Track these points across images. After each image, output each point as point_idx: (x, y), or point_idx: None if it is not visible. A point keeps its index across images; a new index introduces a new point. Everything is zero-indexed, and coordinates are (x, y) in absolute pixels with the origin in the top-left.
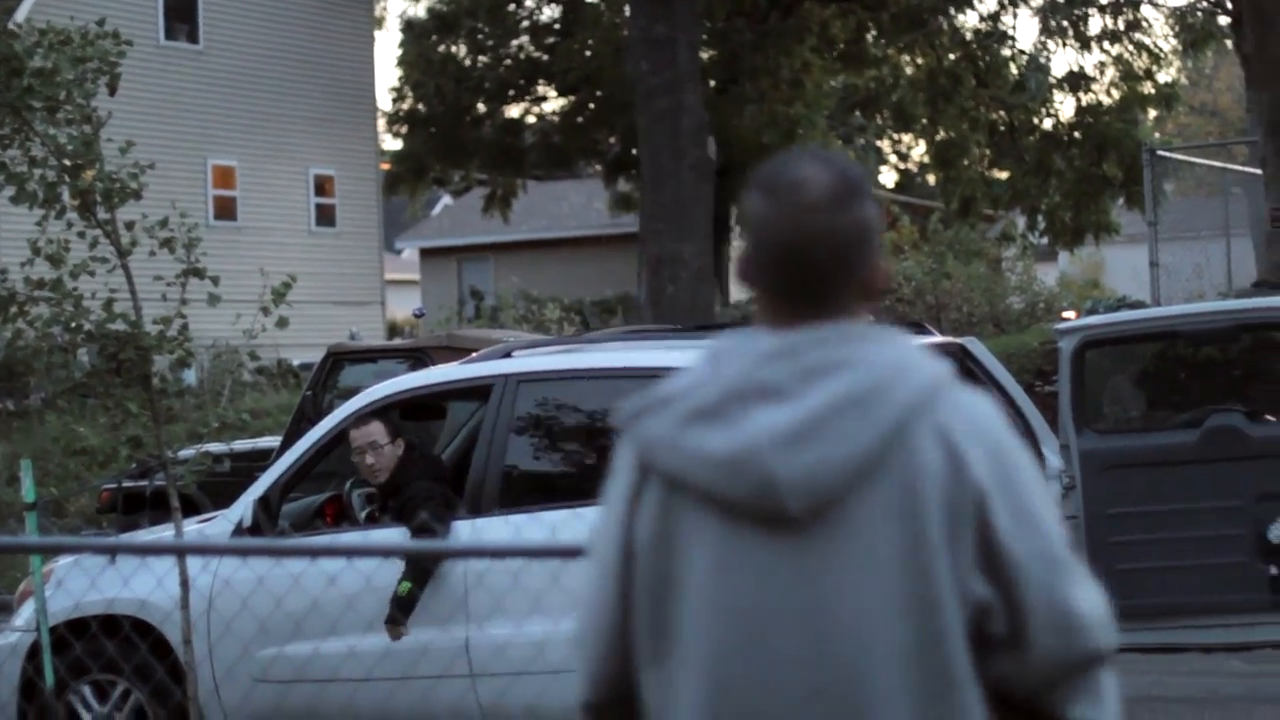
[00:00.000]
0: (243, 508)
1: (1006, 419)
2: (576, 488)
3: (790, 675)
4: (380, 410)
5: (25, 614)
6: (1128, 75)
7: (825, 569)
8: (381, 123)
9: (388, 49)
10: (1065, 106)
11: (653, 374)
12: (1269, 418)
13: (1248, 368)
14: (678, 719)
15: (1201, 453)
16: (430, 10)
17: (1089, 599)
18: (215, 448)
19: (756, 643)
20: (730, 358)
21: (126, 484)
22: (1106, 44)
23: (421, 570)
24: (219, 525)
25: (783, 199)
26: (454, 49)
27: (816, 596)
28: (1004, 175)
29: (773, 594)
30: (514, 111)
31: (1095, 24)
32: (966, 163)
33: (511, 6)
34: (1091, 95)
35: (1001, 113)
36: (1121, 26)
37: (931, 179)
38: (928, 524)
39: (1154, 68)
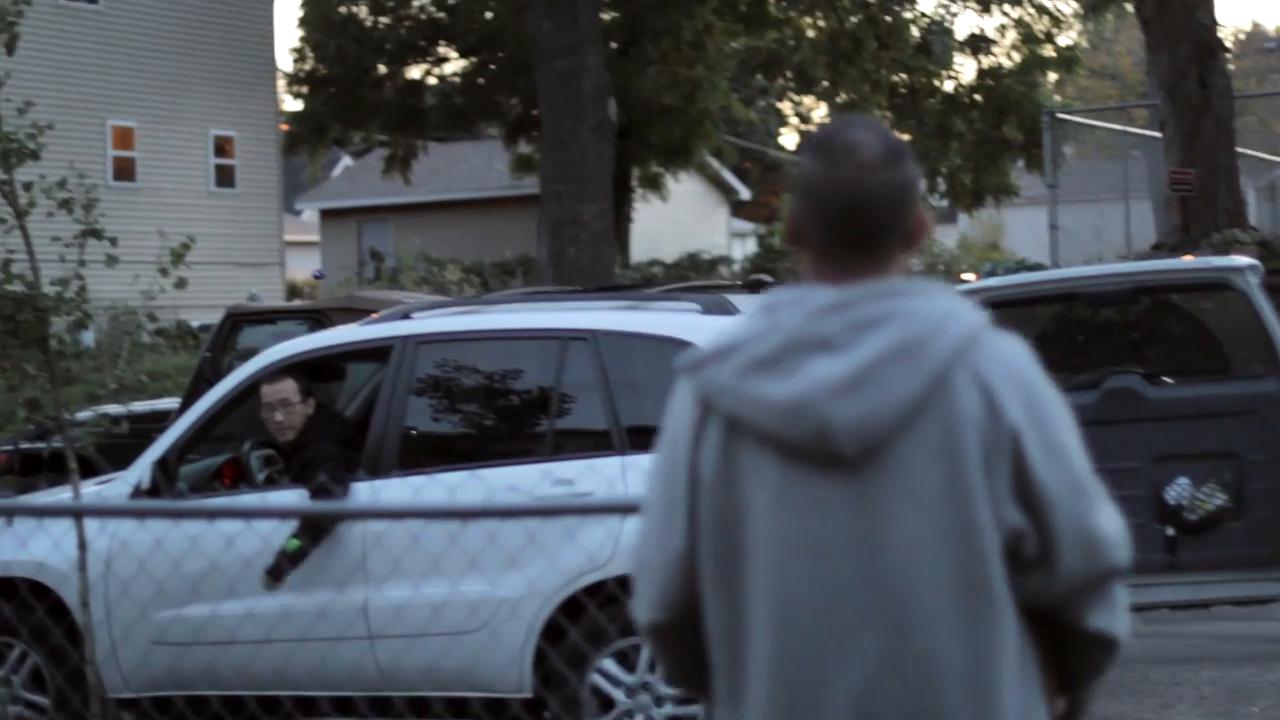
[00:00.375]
0: (141, 470)
1: (1034, 357)
2: (475, 449)
3: (846, 597)
4: (294, 369)
5: None
6: (1028, 38)
7: (875, 503)
8: (282, 83)
9: (288, 9)
10: (966, 69)
11: (552, 336)
12: (1166, 380)
13: (1146, 330)
14: (751, 637)
15: (1099, 414)
16: None
17: (1109, 520)
18: (113, 409)
19: (816, 569)
20: (787, 311)
21: (24, 446)
22: (1007, 6)
23: (314, 529)
24: (117, 487)
25: (840, 160)
26: (355, 9)
27: (868, 527)
28: (905, 137)
29: (829, 525)
30: (415, 72)
31: None
32: None
33: None
34: (992, 58)
35: (902, 75)
36: None
37: None
38: (967, 461)
39: (1055, 30)
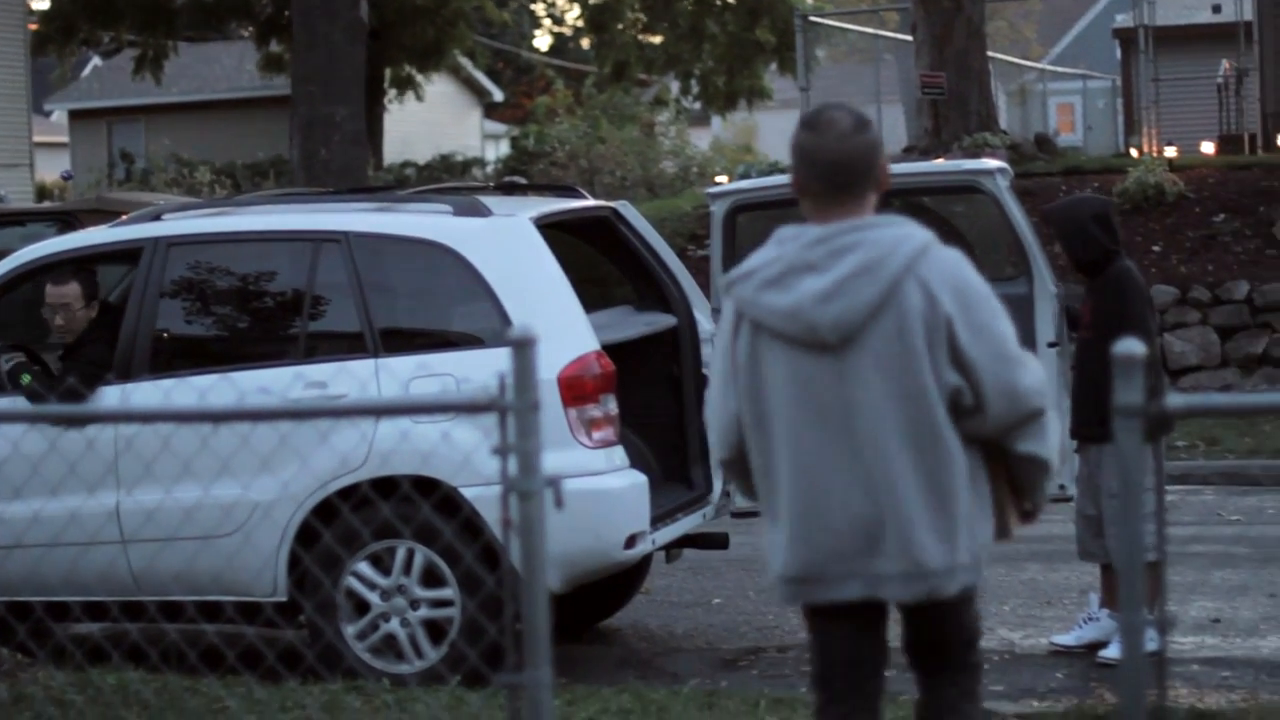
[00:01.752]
0: None
1: (969, 264)
2: (227, 352)
3: (835, 442)
4: (80, 272)
5: None
6: None
7: (851, 375)
8: None
9: None
10: None
11: (303, 237)
12: None
13: None
14: (777, 471)
15: None
16: None
17: (1028, 377)
18: None
19: (813, 423)
20: (788, 244)
21: None
22: None
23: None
24: None
25: (824, 132)
26: None
27: (847, 392)
28: (657, 39)
29: (821, 392)
30: None
31: None
32: (620, 26)
33: None
34: None
35: None
36: None
37: (586, 43)
38: (914, 343)
39: None
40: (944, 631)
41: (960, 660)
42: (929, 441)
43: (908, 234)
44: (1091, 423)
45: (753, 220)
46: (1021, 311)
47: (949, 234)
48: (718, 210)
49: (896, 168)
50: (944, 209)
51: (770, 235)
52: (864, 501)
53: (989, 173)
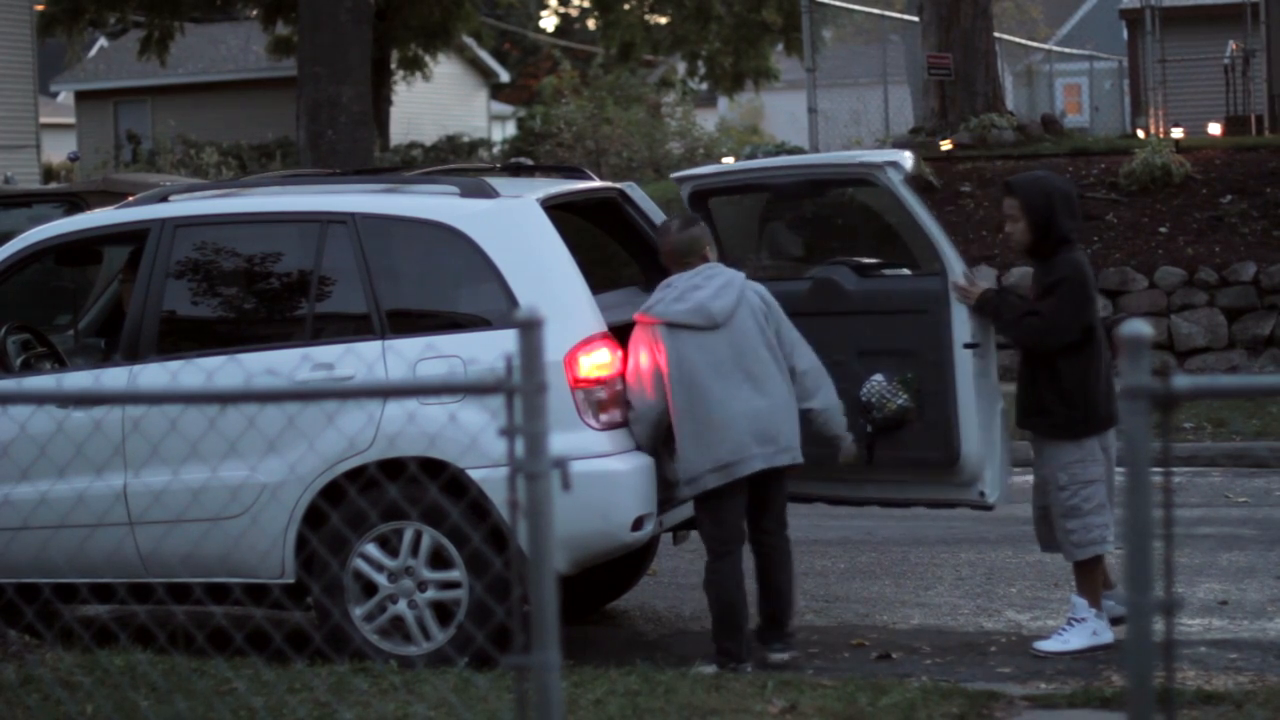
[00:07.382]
0: None
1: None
2: (234, 333)
3: (734, 376)
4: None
5: None
6: None
7: (737, 337)
8: None
9: None
10: None
11: (309, 218)
12: (887, 272)
13: (863, 222)
14: (706, 401)
15: (808, 305)
16: None
17: (809, 354)
18: None
19: (718, 368)
20: (681, 279)
21: None
22: None
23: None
24: None
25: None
26: None
27: (737, 348)
28: (664, 20)
29: (720, 350)
30: None
31: None
32: (626, 7)
33: None
34: None
35: None
36: None
37: (592, 23)
38: (759, 319)
39: None
40: None
41: None
42: (783, 370)
43: (735, 275)
44: (1031, 413)
45: (725, 205)
46: (938, 309)
47: (842, 229)
48: (684, 194)
49: (791, 159)
50: (867, 202)
51: (760, 221)
52: (759, 407)
53: (879, 165)
